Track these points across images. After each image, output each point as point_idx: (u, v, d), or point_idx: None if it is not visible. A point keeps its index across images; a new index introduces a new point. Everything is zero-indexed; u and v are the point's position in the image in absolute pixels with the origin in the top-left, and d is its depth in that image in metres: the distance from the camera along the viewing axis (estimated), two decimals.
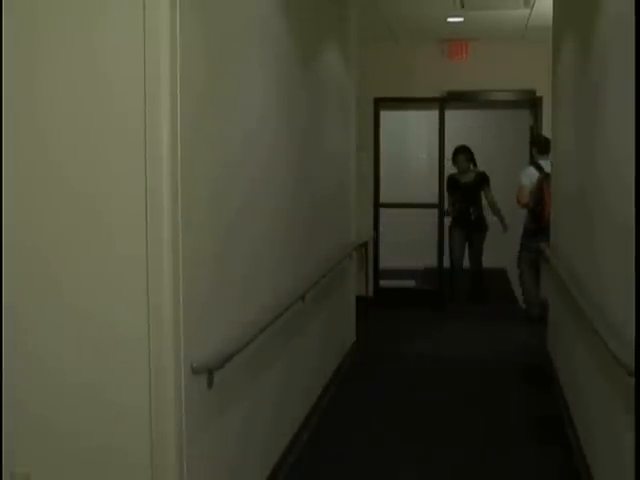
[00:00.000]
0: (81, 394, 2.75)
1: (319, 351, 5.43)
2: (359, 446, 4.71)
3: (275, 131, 4.06)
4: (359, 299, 7.34)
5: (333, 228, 5.92)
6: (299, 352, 4.74)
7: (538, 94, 8.75)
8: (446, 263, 8.93)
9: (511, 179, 8.27)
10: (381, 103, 9.07)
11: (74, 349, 2.73)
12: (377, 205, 9.17)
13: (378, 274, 9.27)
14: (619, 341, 3.07)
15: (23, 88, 2.69)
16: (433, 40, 8.75)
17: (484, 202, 8.73)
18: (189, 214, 2.77)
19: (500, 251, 8.85)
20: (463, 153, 8.69)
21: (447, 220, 8.88)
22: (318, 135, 5.26)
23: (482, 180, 8.66)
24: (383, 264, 9.27)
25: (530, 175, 7.75)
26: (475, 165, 8.73)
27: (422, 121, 10.20)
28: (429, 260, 9.22)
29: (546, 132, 7.99)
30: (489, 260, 8.96)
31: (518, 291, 8.53)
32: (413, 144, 10.58)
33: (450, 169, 8.86)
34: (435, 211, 8.85)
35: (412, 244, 9.42)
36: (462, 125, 9.99)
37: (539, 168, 7.70)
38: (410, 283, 9.74)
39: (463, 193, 8.68)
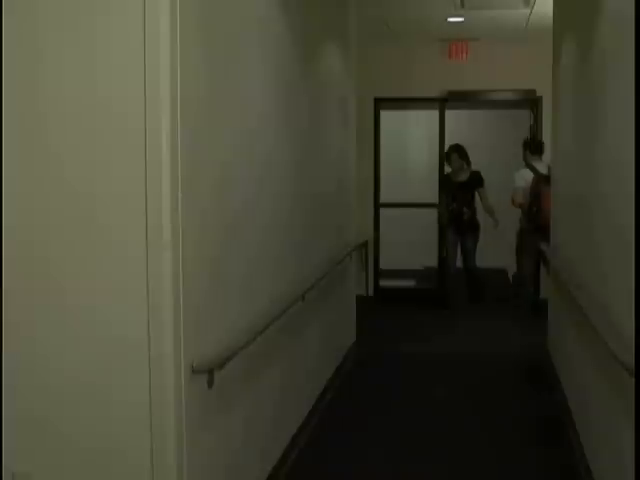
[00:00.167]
0: (81, 394, 2.75)
1: (319, 351, 5.43)
2: (359, 446, 4.71)
3: (275, 131, 4.06)
4: (359, 299, 7.34)
5: (333, 228, 5.92)
6: (299, 352, 4.74)
7: (538, 94, 8.76)
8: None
9: (511, 179, 8.32)
10: (381, 103, 9.08)
11: (74, 349, 2.73)
12: (377, 205, 9.18)
13: (378, 274, 9.28)
14: (619, 341, 3.07)
15: (23, 89, 2.69)
16: (433, 40, 8.75)
17: (477, 202, 8.61)
18: (189, 214, 2.77)
19: (500, 251, 8.86)
20: (456, 152, 8.56)
21: (433, 216, 8.80)
22: (318, 135, 5.26)
23: (476, 180, 8.52)
24: (383, 264, 9.28)
25: (524, 176, 7.92)
26: (469, 164, 8.59)
27: (422, 121, 10.19)
28: (429, 260, 9.22)
29: (546, 132, 8.00)
30: (489, 260, 8.96)
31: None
32: (413, 144, 10.57)
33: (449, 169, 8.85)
34: (435, 211, 8.87)
35: (412, 244, 9.41)
36: (462, 125, 9.99)
37: (533, 169, 7.88)
38: (410, 283, 9.75)
39: (457, 193, 8.55)
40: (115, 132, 2.66)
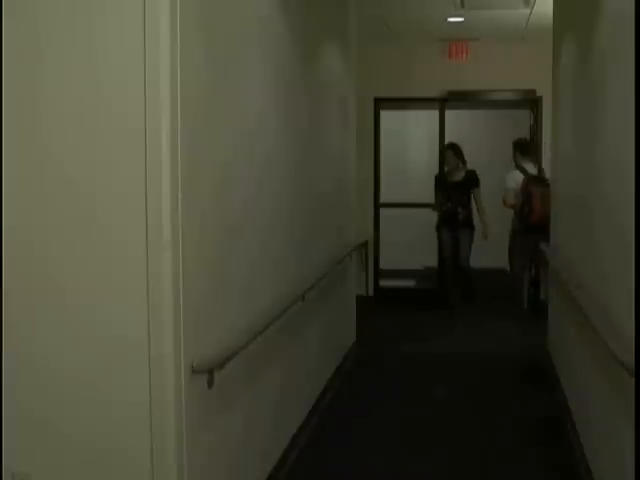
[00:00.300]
0: (81, 394, 2.75)
1: (319, 351, 5.43)
2: (359, 446, 4.70)
3: (275, 131, 4.06)
4: (359, 299, 7.34)
5: (333, 228, 5.92)
6: (299, 352, 4.74)
7: (538, 94, 8.76)
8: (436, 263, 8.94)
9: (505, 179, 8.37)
10: (381, 103, 9.08)
11: (74, 349, 2.73)
12: (377, 205, 9.18)
13: (378, 274, 9.28)
14: (619, 341, 3.07)
15: (23, 89, 2.69)
16: (433, 40, 8.75)
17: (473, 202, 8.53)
18: (189, 214, 2.77)
19: (500, 251, 8.85)
20: (452, 149, 8.47)
21: (433, 216, 8.68)
22: (318, 135, 5.26)
23: (472, 179, 8.38)
24: (383, 264, 9.28)
25: (515, 178, 8.05)
26: (464, 163, 8.46)
27: (422, 121, 10.20)
28: (429, 260, 9.22)
29: (546, 132, 8.01)
30: (489, 260, 8.96)
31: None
32: (413, 144, 10.57)
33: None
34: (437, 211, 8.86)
35: (412, 244, 9.41)
36: (462, 125, 9.99)
37: (523, 171, 8.01)
38: (410, 283, 9.75)
39: (452, 192, 8.40)
40: (115, 132, 2.66)
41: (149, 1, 2.60)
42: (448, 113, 9.15)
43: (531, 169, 8.02)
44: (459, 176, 8.41)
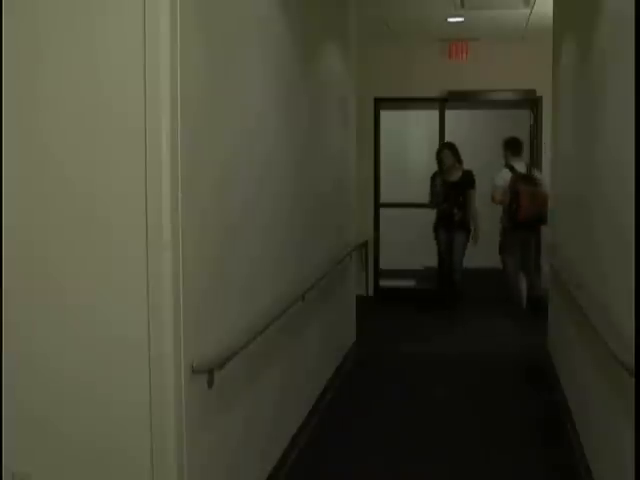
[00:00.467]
0: (81, 394, 2.75)
1: (319, 351, 5.43)
2: (359, 446, 4.70)
3: (275, 131, 4.06)
4: (359, 299, 7.34)
5: (333, 228, 5.92)
6: (299, 352, 4.74)
7: (538, 94, 8.76)
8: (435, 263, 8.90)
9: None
10: (381, 103, 9.08)
11: (74, 349, 2.73)
12: (377, 205, 9.19)
13: (378, 274, 9.28)
14: (619, 341, 3.07)
15: (23, 89, 2.69)
16: (433, 40, 8.76)
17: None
18: (189, 214, 2.77)
19: (494, 250, 8.83)
20: (449, 149, 8.33)
21: (433, 216, 8.57)
22: (318, 135, 5.26)
23: (468, 180, 8.25)
24: (383, 264, 9.28)
25: (504, 176, 8.14)
26: (461, 163, 8.34)
27: (422, 121, 10.20)
28: (429, 260, 9.21)
29: (546, 132, 8.01)
30: (489, 260, 8.94)
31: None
32: (413, 144, 10.58)
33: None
34: (435, 211, 8.84)
35: (412, 244, 9.41)
36: (462, 125, 9.99)
37: (512, 169, 8.12)
38: (410, 283, 9.75)
39: (448, 192, 8.27)
40: (115, 132, 2.66)
41: (149, 1, 2.60)
42: (448, 113, 9.15)
43: (520, 168, 8.16)
44: (456, 176, 8.30)
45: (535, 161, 8.97)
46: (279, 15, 4.08)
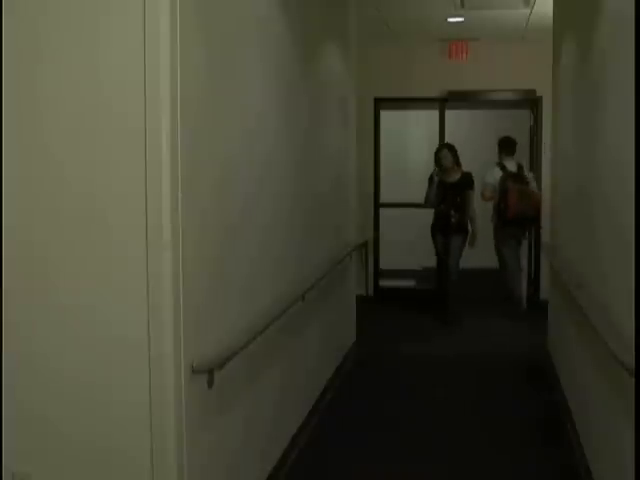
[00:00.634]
0: (81, 394, 2.75)
1: (319, 351, 5.43)
2: (359, 446, 4.71)
3: (275, 131, 4.06)
4: (359, 299, 7.34)
5: (333, 228, 5.92)
6: (299, 352, 4.74)
7: (538, 94, 8.76)
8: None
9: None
10: (381, 103, 9.08)
11: (74, 349, 2.73)
12: (377, 205, 9.19)
13: (378, 274, 9.28)
14: (619, 341, 3.07)
15: (23, 89, 2.69)
16: (433, 40, 8.75)
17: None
18: (189, 214, 2.77)
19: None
20: (448, 149, 8.12)
21: (429, 216, 8.34)
22: (318, 135, 5.26)
23: (467, 181, 8.08)
24: (383, 264, 9.27)
25: (494, 174, 8.25)
26: (459, 165, 8.14)
27: (422, 121, 10.19)
28: (429, 260, 9.20)
29: (546, 132, 8.01)
30: (489, 260, 8.94)
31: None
32: (413, 144, 10.58)
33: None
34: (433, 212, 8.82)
35: (412, 244, 9.41)
36: (462, 125, 9.99)
37: (503, 168, 8.23)
38: (410, 283, 9.74)
39: (446, 194, 8.10)
40: (115, 132, 2.66)
41: (149, 1, 2.61)
42: (448, 113, 9.15)
43: (511, 167, 8.25)
44: (454, 177, 8.11)
45: (535, 161, 8.98)
46: (279, 15, 4.08)
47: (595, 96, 4.11)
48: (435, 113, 9.13)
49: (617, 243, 3.44)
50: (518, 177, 8.16)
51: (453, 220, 8.05)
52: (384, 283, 9.34)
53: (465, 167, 8.14)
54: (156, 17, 2.60)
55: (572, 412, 4.83)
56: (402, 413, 5.30)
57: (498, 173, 8.22)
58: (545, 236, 7.86)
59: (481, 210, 8.41)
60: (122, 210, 2.68)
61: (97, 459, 2.76)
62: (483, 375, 6.25)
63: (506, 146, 8.37)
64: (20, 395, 2.76)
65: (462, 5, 7.01)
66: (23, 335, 2.75)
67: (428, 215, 8.53)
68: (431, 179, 8.15)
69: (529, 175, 8.31)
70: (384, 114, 9.20)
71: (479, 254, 8.63)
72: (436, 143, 8.95)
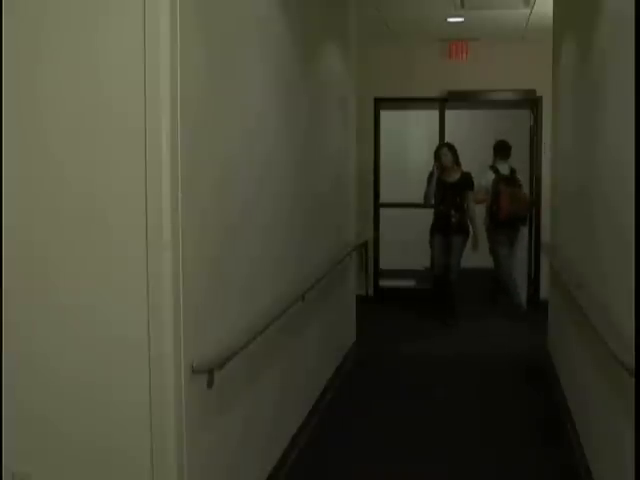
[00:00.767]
0: (81, 394, 2.75)
1: (319, 351, 5.43)
2: (359, 446, 4.71)
3: (275, 131, 4.06)
4: (359, 299, 7.34)
5: (333, 228, 5.92)
6: (299, 352, 4.74)
7: (538, 94, 8.76)
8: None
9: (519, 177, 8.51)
10: (381, 103, 9.08)
11: (74, 349, 2.73)
12: (377, 205, 9.18)
13: (378, 274, 9.28)
14: (619, 341, 3.07)
15: (23, 89, 2.69)
16: (433, 40, 8.75)
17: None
18: (189, 214, 2.77)
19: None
20: (448, 148, 8.05)
21: (429, 216, 8.27)
22: (318, 135, 5.26)
23: (467, 181, 8.01)
24: (383, 264, 9.27)
25: (487, 177, 8.38)
26: (459, 164, 8.07)
27: (422, 121, 10.19)
28: (429, 260, 9.19)
29: (546, 132, 8.02)
30: (489, 260, 8.95)
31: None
32: (413, 144, 10.57)
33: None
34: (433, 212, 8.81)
35: (412, 244, 9.41)
36: (462, 125, 9.99)
37: (496, 171, 8.38)
38: (410, 283, 9.74)
39: (446, 194, 7.96)
40: (115, 132, 2.66)
41: (149, 1, 2.61)
42: (448, 113, 9.15)
43: (504, 170, 8.39)
44: (454, 177, 8.04)
45: (535, 161, 8.98)
46: (279, 15, 4.08)
47: (595, 96, 4.11)
48: (435, 113, 9.12)
49: (617, 243, 3.44)
50: (510, 180, 8.32)
51: (453, 220, 7.99)
52: (384, 283, 9.34)
53: (465, 167, 8.12)
54: (156, 17, 2.60)
55: (572, 412, 4.83)
56: (402, 413, 5.30)
57: (491, 176, 8.35)
58: (545, 236, 7.87)
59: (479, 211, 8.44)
60: (122, 210, 2.68)
61: (97, 459, 2.76)
62: (483, 375, 6.25)
63: (501, 150, 8.51)
64: (20, 395, 2.76)
65: (462, 5, 7.01)
66: (23, 335, 2.75)
67: (428, 215, 8.52)
68: (430, 177, 8.07)
69: (520, 178, 8.44)
70: (384, 114, 9.19)
71: (479, 254, 8.63)
72: (436, 143, 8.93)
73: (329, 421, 5.10)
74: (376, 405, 5.48)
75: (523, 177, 8.64)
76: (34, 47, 2.68)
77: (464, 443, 4.77)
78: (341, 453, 4.59)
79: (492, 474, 4.33)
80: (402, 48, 8.79)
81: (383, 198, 9.22)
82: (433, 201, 8.10)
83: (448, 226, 8.01)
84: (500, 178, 8.30)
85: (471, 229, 8.08)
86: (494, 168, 8.42)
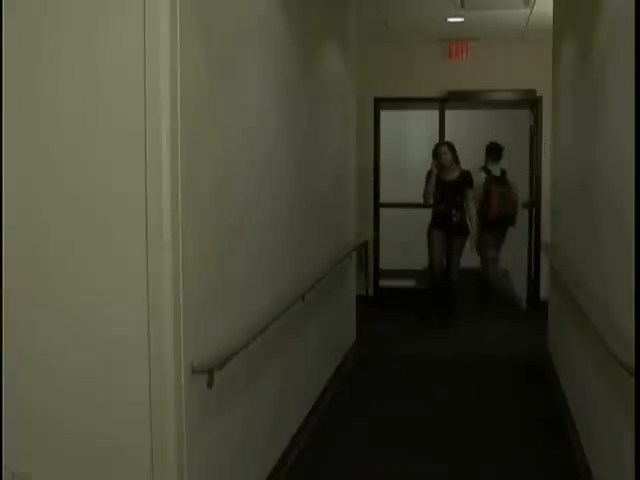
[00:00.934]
0: (81, 394, 2.75)
1: (319, 351, 5.43)
2: (359, 446, 4.71)
3: (275, 131, 4.06)
4: (359, 299, 7.34)
5: (333, 228, 5.92)
6: (299, 352, 4.74)
7: (538, 94, 8.76)
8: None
9: (510, 179, 8.49)
10: (381, 103, 9.08)
11: (74, 349, 2.73)
12: (377, 205, 9.18)
13: (378, 274, 9.27)
14: (619, 341, 3.07)
15: (23, 89, 2.69)
16: (433, 40, 8.75)
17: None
18: (189, 214, 2.77)
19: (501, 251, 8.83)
20: (447, 146, 8.02)
21: (429, 216, 8.21)
22: (318, 135, 5.26)
23: (466, 180, 7.97)
24: (383, 264, 9.26)
25: (479, 178, 8.42)
26: (458, 163, 8.02)
27: (422, 121, 10.18)
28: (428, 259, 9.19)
29: (546, 132, 8.01)
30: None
31: (517, 290, 8.60)
32: (413, 144, 10.56)
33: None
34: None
35: (412, 244, 9.40)
36: (462, 125, 9.98)
37: (488, 172, 8.48)
38: (410, 283, 9.74)
39: (446, 192, 7.89)
40: (115, 132, 2.66)
41: (149, 1, 2.61)
42: (448, 113, 9.14)
43: (495, 171, 8.50)
44: (453, 176, 7.98)
45: (535, 161, 8.98)
46: (279, 15, 4.08)
47: (595, 96, 4.11)
48: (435, 113, 9.12)
49: (617, 243, 3.44)
50: (501, 181, 8.43)
51: (455, 219, 7.92)
52: (384, 283, 9.33)
53: (465, 167, 8.12)
54: (156, 17, 2.60)
55: (572, 412, 4.83)
56: (402, 413, 5.30)
57: (482, 176, 8.43)
58: (545, 236, 7.87)
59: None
60: (122, 210, 2.68)
61: (97, 459, 2.76)
62: (483, 375, 6.25)
63: (493, 152, 8.60)
64: (20, 395, 2.76)
65: (462, 5, 7.00)
66: (23, 335, 2.75)
67: (428, 215, 8.51)
68: (429, 176, 8.00)
69: (511, 179, 8.52)
70: (384, 114, 9.19)
71: (473, 254, 8.63)
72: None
73: (329, 421, 5.10)
74: (376, 405, 5.48)
75: (523, 177, 8.68)
76: (34, 47, 2.68)
77: (464, 443, 4.77)
78: (341, 453, 4.59)
79: (492, 474, 4.33)
80: (402, 48, 8.79)
81: (383, 198, 9.21)
82: (432, 200, 8.05)
83: (449, 225, 7.94)
84: (491, 178, 8.41)
85: (470, 227, 8.04)
86: (486, 169, 8.52)
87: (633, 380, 2.80)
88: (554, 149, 6.56)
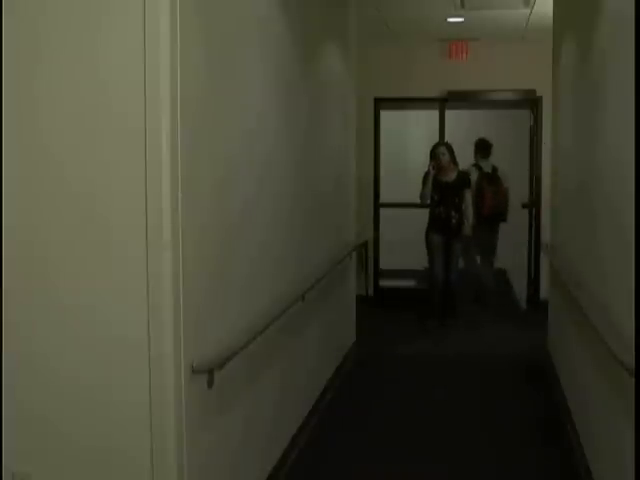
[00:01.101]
0: (81, 394, 2.75)
1: (319, 351, 5.43)
2: (359, 446, 4.71)
3: (275, 131, 4.06)
4: (359, 299, 7.34)
5: (333, 228, 5.92)
6: (299, 352, 4.74)
7: (538, 94, 8.76)
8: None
9: (510, 179, 8.52)
10: (381, 103, 9.08)
11: (74, 349, 2.73)
12: (377, 205, 9.18)
13: (378, 274, 9.28)
14: (619, 341, 3.07)
15: (23, 89, 2.69)
16: (433, 40, 8.75)
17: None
18: (189, 214, 2.77)
19: (500, 251, 8.84)
20: (445, 147, 7.91)
21: (423, 216, 8.08)
22: (318, 135, 5.26)
23: (464, 180, 7.88)
24: (383, 264, 9.26)
25: (472, 176, 8.41)
26: (456, 164, 7.92)
27: (422, 121, 10.19)
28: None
29: (546, 132, 8.01)
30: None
31: (517, 290, 8.61)
32: (413, 144, 10.56)
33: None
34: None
35: (412, 244, 9.39)
36: (462, 125, 9.97)
37: (479, 169, 8.50)
38: (410, 283, 9.74)
39: (444, 193, 7.76)
40: (115, 132, 2.66)
41: (149, 1, 2.61)
42: (448, 113, 9.14)
43: (487, 167, 8.51)
44: (451, 177, 7.85)
45: (535, 161, 8.97)
46: (279, 15, 4.08)
47: (595, 96, 4.11)
48: (435, 113, 9.12)
49: (617, 243, 3.44)
50: (493, 178, 8.47)
51: (454, 222, 7.79)
52: (384, 283, 9.33)
53: (465, 167, 8.12)
54: (156, 17, 2.60)
55: (572, 412, 4.83)
56: (402, 413, 5.30)
57: (475, 174, 8.45)
58: (545, 236, 7.87)
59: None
60: (122, 210, 2.68)
61: (97, 459, 2.76)
62: (483, 375, 6.25)
63: (482, 148, 8.61)
64: (20, 395, 2.76)
65: (462, 5, 7.00)
66: (23, 335, 2.75)
67: (428, 215, 8.52)
68: (425, 177, 7.87)
69: (502, 175, 8.55)
70: (384, 114, 9.19)
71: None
72: None
73: (329, 421, 5.10)
74: (376, 405, 5.48)
75: (523, 177, 8.68)
76: (34, 47, 2.68)
77: (464, 443, 4.77)
78: (341, 453, 4.59)
79: (492, 474, 4.33)
80: (402, 48, 8.79)
81: (383, 198, 9.21)
82: (429, 202, 7.92)
83: (448, 228, 7.80)
84: (483, 176, 8.44)
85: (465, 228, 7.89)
86: (477, 166, 8.53)
87: (633, 380, 2.80)
88: (554, 149, 6.56)
